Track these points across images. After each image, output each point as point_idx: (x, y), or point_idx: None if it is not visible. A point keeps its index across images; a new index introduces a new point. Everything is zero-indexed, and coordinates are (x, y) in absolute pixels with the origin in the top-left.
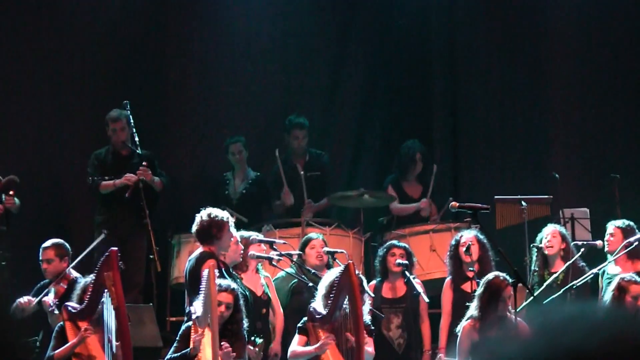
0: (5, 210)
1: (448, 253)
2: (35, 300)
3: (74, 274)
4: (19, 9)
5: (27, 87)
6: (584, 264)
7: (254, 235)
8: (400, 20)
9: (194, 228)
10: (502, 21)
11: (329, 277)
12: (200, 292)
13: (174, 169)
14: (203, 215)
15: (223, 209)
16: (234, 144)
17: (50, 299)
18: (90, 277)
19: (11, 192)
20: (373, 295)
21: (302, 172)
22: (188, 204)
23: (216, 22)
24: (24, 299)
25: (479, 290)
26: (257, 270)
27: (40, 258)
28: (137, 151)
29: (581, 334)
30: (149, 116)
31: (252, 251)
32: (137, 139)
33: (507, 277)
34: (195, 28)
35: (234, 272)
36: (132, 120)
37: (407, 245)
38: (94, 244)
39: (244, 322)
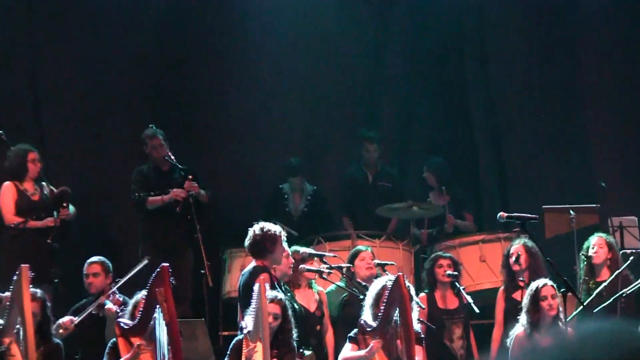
0: (61, 222)
1: (502, 263)
2: (77, 319)
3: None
4: (67, 32)
5: (74, 105)
6: (628, 272)
7: (304, 249)
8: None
9: (247, 242)
10: (539, 28)
11: (375, 287)
12: (251, 306)
13: (223, 184)
14: (256, 229)
15: (275, 223)
16: (294, 178)
17: (112, 306)
18: (142, 293)
19: (64, 204)
20: (424, 306)
21: (371, 181)
22: (239, 217)
23: (263, 38)
24: (65, 319)
25: (524, 299)
26: (310, 286)
27: (86, 272)
28: (179, 165)
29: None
30: (196, 130)
31: (302, 265)
32: (173, 157)
33: (553, 284)
34: (241, 43)
35: (285, 287)
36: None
37: (452, 256)
38: (137, 268)
39: (293, 332)
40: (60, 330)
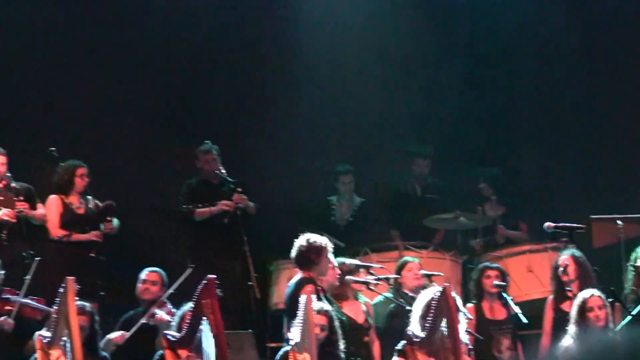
0: (105, 235)
1: (551, 273)
2: (127, 334)
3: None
4: (113, 47)
5: (120, 118)
6: None
7: (351, 261)
8: None
9: (293, 254)
10: (592, 33)
11: (423, 298)
12: (297, 317)
13: (271, 196)
14: (302, 241)
15: (321, 235)
16: (346, 174)
17: (164, 315)
18: (189, 305)
19: (109, 218)
20: (471, 317)
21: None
22: (286, 229)
23: (312, 49)
24: (117, 335)
25: (572, 310)
26: (356, 297)
27: (144, 278)
28: (228, 179)
29: None
30: (244, 142)
31: (349, 276)
32: (224, 170)
33: (601, 295)
34: (289, 54)
35: (331, 299)
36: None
37: (500, 266)
38: (183, 277)
39: (340, 343)
40: (112, 347)
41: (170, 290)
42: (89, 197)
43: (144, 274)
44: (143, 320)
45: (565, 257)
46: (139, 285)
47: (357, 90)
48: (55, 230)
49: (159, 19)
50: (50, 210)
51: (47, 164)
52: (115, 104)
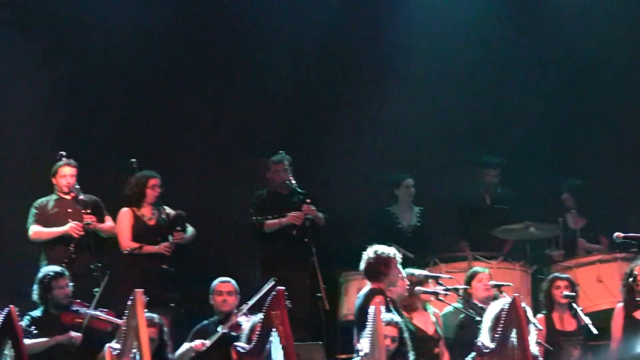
0: (176, 245)
1: (622, 282)
2: (208, 342)
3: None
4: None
5: (192, 128)
6: None
7: (420, 271)
8: None
9: (362, 265)
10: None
11: (493, 309)
12: (366, 328)
13: (338, 206)
14: (370, 252)
15: (389, 245)
16: (406, 179)
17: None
18: (259, 317)
19: (179, 228)
20: (541, 327)
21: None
22: (355, 240)
23: (390, 61)
24: (197, 343)
25: None
26: (425, 308)
27: (219, 289)
28: (297, 190)
29: None
30: (311, 154)
31: (418, 287)
32: (294, 181)
33: None
34: (368, 66)
35: (400, 310)
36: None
37: (570, 277)
38: (264, 291)
39: (410, 355)
40: (191, 354)
41: (252, 303)
42: (162, 207)
43: (217, 285)
44: (224, 330)
45: (635, 266)
46: (215, 297)
47: (426, 100)
48: (127, 243)
49: (227, 32)
50: (121, 223)
51: (127, 175)
52: (188, 115)
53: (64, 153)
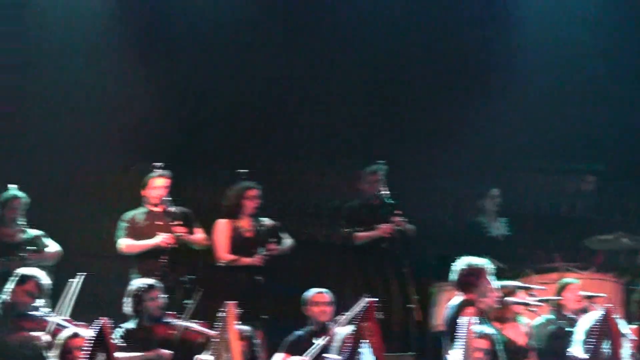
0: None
1: None
2: (307, 357)
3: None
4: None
5: (292, 140)
6: None
7: (511, 282)
8: None
9: (453, 276)
10: None
11: (586, 321)
12: (458, 340)
13: (432, 217)
14: (461, 263)
15: (482, 256)
16: (491, 189)
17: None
18: (350, 329)
19: (273, 240)
20: (635, 338)
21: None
22: (447, 251)
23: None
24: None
25: None
26: (516, 319)
27: (317, 300)
28: (389, 201)
29: None
30: (400, 166)
31: (509, 298)
32: (386, 192)
33: None
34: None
35: (492, 320)
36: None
37: None
38: (359, 308)
39: None
40: None
41: (346, 318)
42: (261, 218)
43: (314, 296)
44: (323, 342)
45: None
46: (312, 308)
47: (518, 109)
48: (223, 255)
49: (326, 40)
50: (218, 234)
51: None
52: (284, 125)
53: (157, 164)
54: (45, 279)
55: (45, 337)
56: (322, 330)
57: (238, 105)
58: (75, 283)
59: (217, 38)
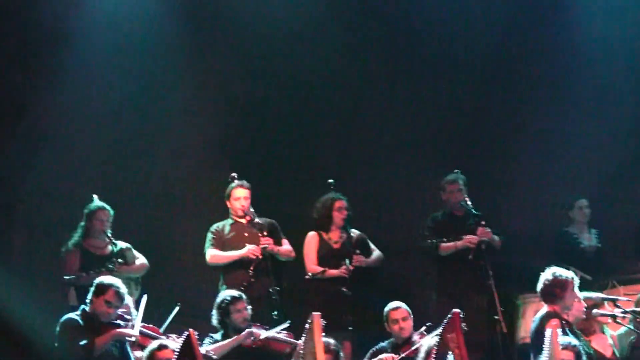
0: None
1: None
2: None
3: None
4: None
5: (376, 149)
6: None
7: (596, 294)
8: None
9: (539, 287)
10: None
11: None
12: (543, 351)
13: (515, 227)
14: (547, 274)
15: (567, 268)
16: (579, 200)
17: None
18: (435, 340)
19: (358, 251)
20: None
21: None
22: (533, 262)
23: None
24: (387, 356)
25: None
26: (603, 331)
27: (394, 318)
28: (473, 211)
29: None
30: (486, 176)
31: (596, 310)
32: (469, 202)
33: None
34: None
35: (578, 332)
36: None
37: None
38: (444, 324)
39: None
40: None
41: (434, 335)
42: (349, 230)
43: (391, 313)
44: (403, 355)
45: None
46: (391, 325)
47: (605, 119)
48: (311, 267)
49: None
50: (307, 247)
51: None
52: (375, 130)
53: (235, 175)
54: (124, 288)
55: (134, 334)
56: (405, 343)
57: (324, 116)
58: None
59: (300, 48)
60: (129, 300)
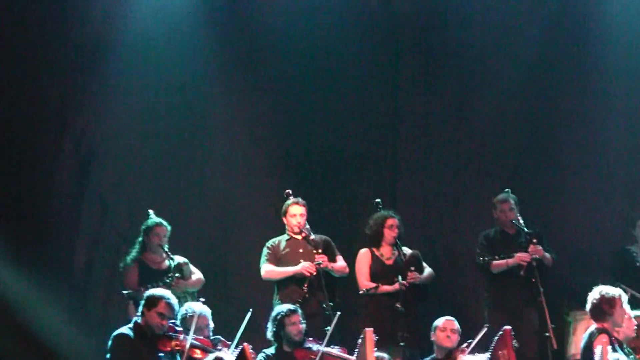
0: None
1: None
2: None
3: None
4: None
5: (427, 166)
6: None
7: None
8: None
9: (587, 305)
10: None
11: None
12: None
13: (569, 244)
14: (594, 292)
15: (617, 286)
16: None
17: None
18: (486, 356)
19: (412, 268)
20: None
21: None
22: (584, 279)
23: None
24: None
25: None
26: None
27: (446, 326)
28: (525, 229)
29: None
30: (538, 191)
31: None
32: (522, 220)
33: None
34: (581, 101)
35: (628, 350)
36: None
37: None
38: (479, 336)
39: None
40: None
41: (472, 346)
42: (400, 247)
43: (443, 323)
44: None
45: None
46: (438, 333)
47: None
48: (364, 283)
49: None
50: (360, 263)
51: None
52: (425, 147)
53: (289, 191)
54: (174, 299)
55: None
56: (447, 356)
57: (377, 132)
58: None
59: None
60: (207, 312)
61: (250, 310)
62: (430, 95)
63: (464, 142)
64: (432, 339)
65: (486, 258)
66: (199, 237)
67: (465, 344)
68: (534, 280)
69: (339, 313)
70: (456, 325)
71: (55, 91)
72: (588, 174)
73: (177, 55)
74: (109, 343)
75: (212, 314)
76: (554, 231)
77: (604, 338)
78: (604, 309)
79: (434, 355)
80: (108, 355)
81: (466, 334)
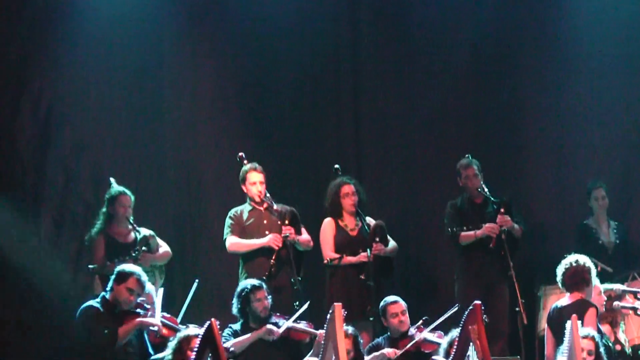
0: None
1: None
2: (399, 351)
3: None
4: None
5: (390, 134)
6: None
7: (617, 286)
8: None
9: (560, 277)
10: None
11: None
12: (564, 343)
13: (535, 217)
14: (569, 261)
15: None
16: (597, 188)
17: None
18: (456, 331)
19: (377, 239)
20: None
21: None
22: (552, 253)
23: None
24: (389, 350)
25: None
26: (622, 322)
27: (395, 311)
28: (491, 198)
29: None
30: (506, 162)
31: (617, 302)
32: (486, 189)
33: None
34: (551, 71)
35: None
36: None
37: None
38: (448, 314)
39: None
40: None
41: (435, 324)
42: (366, 217)
43: (390, 307)
44: (404, 349)
45: None
46: (390, 319)
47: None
48: (328, 253)
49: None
50: (324, 233)
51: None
52: (386, 115)
53: (242, 154)
54: (144, 275)
55: (157, 323)
56: (402, 337)
57: (338, 100)
58: (192, 288)
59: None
60: (151, 288)
61: (197, 281)
62: (391, 60)
63: (426, 107)
64: (385, 324)
65: (455, 229)
66: (161, 209)
67: (420, 322)
68: (503, 253)
69: (308, 302)
70: (403, 305)
71: (14, 50)
72: (552, 144)
73: (141, 17)
74: (77, 315)
75: (178, 288)
76: (520, 202)
77: (594, 313)
78: (585, 278)
79: (389, 334)
80: (77, 329)
81: (436, 309)
